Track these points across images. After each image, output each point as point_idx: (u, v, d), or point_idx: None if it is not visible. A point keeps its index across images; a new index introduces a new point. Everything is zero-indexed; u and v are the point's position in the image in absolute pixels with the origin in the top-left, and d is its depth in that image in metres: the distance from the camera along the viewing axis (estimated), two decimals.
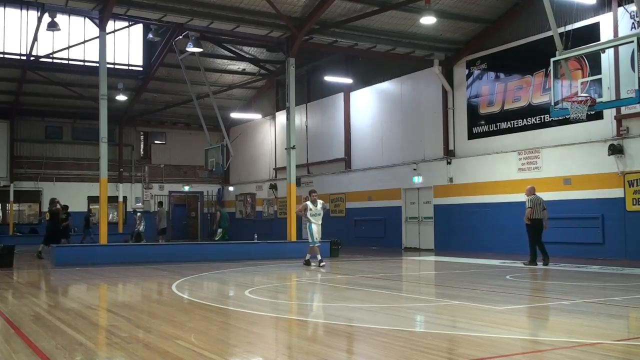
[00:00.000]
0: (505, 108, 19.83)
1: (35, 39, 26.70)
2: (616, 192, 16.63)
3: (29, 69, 27.59)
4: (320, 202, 15.30)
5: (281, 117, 28.81)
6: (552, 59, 13.30)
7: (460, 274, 13.44)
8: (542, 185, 18.34)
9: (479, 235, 20.29)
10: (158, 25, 24.40)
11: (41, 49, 27.65)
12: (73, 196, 31.04)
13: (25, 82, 28.63)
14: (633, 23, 16.06)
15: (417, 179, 22.94)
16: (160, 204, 27.78)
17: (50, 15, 24.51)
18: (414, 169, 23.02)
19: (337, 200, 26.87)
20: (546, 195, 18.14)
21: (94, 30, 24.77)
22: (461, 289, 10.39)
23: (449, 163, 21.71)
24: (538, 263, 14.54)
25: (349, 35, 20.69)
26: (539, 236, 14.67)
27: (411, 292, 10.80)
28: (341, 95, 26.78)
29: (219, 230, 24.15)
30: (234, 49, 26.28)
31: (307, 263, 15.27)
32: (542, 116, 18.36)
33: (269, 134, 31.96)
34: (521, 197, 18.51)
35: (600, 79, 14.38)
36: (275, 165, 31.21)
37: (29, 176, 31.59)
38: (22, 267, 16.15)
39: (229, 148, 23.91)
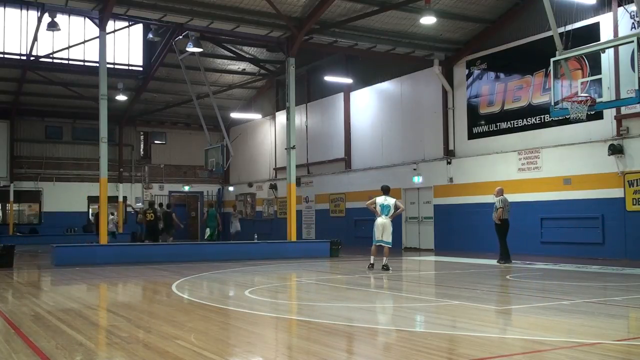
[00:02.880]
0: (505, 108, 19.82)
1: (35, 39, 26.69)
2: (616, 192, 16.62)
3: (29, 69, 27.59)
4: None
5: (281, 117, 28.79)
6: (552, 59, 13.30)
7: (460, 274, 13.44)
8: (542, 185, 18.37)
9: (479, 235, 20.24)
10: (158, 25, 24.40)
11: (41, 49, 27.65)
12: (73, 196, 31.04)
13: (25, 82, 28.63)
14: (633, 23, 16.05)
15: (417, 179, 22.93)
16: (161, 205, 27.75)
17: (50, 15, 24.51)
18: (414, 169, 23.01)
19: (337, 200, 26.87)
20: (546, 196, 18.22)
21: (94, 30, 24.73)
22: (461, 289, 10.39)
23: (449, 163, 21.70)
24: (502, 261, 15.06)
25: (349, 35, 20.69)
26: (506, 236, 15.23)
27: (411, 292, 10.79)
28: (341, 95, 26.77)
29: (207, 229, 24.30)
30: (234, 49, 26.27)
31: (386, 267, 13.61)
32: (542, 116, 18.35)
33: (269, 134, 31.95)
34: (522, 197, 18.59)
35: (600, 79, 14.38)
36: (275, 165, 31.20)
37: (29, 176, 31.58)
38: (22, 267, 16.16)
39: (229, 148, 23.90)
